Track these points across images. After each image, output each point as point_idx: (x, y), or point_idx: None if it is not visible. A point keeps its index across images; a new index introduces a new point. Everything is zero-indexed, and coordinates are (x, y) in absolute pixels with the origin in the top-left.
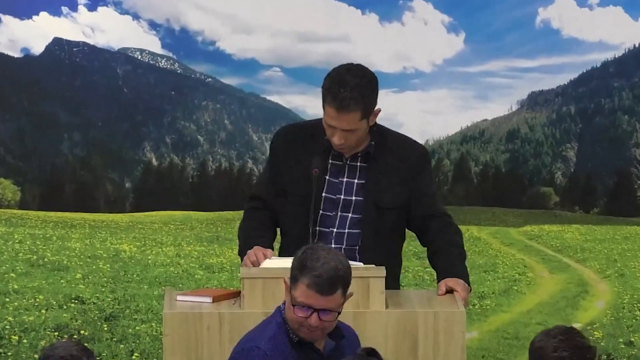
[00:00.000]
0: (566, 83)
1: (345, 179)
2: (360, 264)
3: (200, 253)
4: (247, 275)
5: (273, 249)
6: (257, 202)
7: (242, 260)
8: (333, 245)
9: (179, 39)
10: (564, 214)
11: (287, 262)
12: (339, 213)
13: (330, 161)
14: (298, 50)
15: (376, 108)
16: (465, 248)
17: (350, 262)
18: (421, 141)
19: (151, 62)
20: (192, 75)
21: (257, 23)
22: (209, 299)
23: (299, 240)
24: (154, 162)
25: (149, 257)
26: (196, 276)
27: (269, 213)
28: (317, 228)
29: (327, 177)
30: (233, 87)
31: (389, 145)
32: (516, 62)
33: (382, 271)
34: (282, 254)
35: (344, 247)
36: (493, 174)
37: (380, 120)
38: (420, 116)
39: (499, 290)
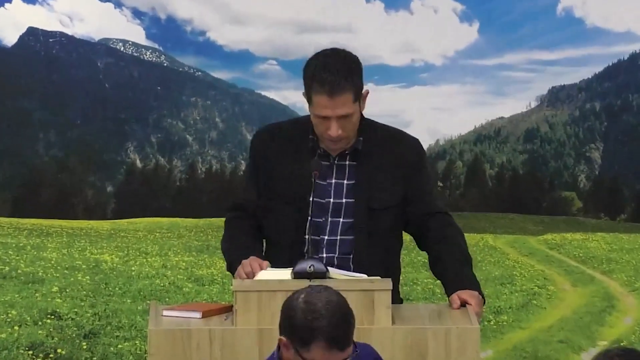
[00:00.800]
0: (590, 77)
1: (333, 181)
2: (364, 276)
3: (188, 264)
4: (240, 288)
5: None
6: (239, 212)
7: (233, 274)
8: (325, 255)
9: (165, 28)
10: (588, 221)
11: (283, 274)
12: (329, 218)
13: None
14: (296, 42)
15: (364, 90)
16: (480, 258)
17: (353, 274)
18: (431, 141)
19: (135, 54)
20: (180, 69)
21: (251, 12)
22: (198, 314)
23: (290, 250)
24: (138, 163)
25: (133, 269)
26: (184, 289)
27: (254, 223)
28: (308, 236)
29: (313, 180)
30: (225, 82)
31: (379, 140)
32: (535, 54)
33: (388, 284)
34: (270, 261)
35: (336, 255)
36: (510, 176)
37: (386, 117)
38: (429, 113)
39: (517, 305)
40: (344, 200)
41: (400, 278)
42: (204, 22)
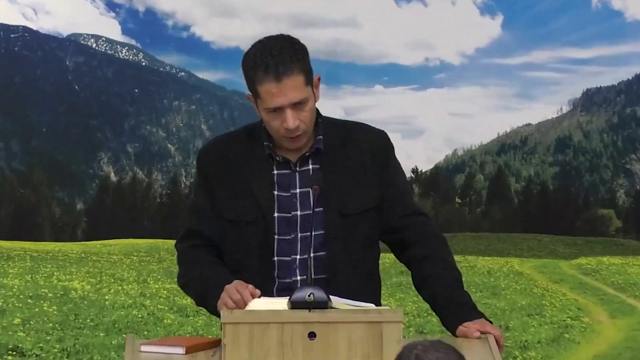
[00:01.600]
0: (630, 78)
1: (298, 190)
2: (371, 305)
3: (170, 292)
4: (230, 320)
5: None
6: (194, 240)
7: (207, 308)
8: (298, 278)
9: (143, 23)
10: (628, 243)
11: (278, 304)
12: (299, 234)
13: (275, 171)
14: None
15: (315, 75)
16: (504, 285)
17: (359, 303)
18: (448, 151)
19: (109, 51)
20: (161, 69)
21: (242, 4)
22: (181, 350)
23: (258, 277)
24: (113, 177)
25: (106, 297)
26: (165, 321)
27: (214, 250)
28: (275, 258)
29: (275, 192)
30: (212, 84)
31: (342, 136)
32: (567, 52)
33: (399, 315)
34: None
35: (313, 277)
36: (538, 192)
37: (396, 124)
38: (446, 120)
39: (547, 339)
40: (312, 211)
41: (414, 308)
42: (188, 16)
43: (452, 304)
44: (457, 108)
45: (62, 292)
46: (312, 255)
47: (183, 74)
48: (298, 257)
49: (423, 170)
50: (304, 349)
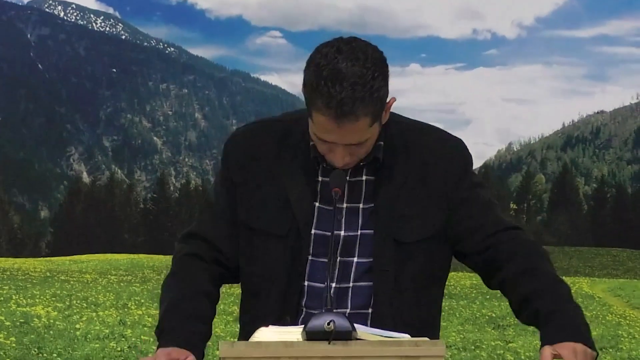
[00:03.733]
0: None
1: (345, 205)
2: (406, 336)
3: (156, 319)
4: (230, 354)
5: (203, 354)
6: (196, 245)
7: (158, 337)
8: (332, 309)
9: None
10: None
11: (291, 334)
12: (339, 258)
13: (320, 178)
14: (308, 6)
15: (389, 99)
16: None
17: (391, 333)
18: (501, 145)
19: (81, 22)
20: (145, 44)
21: None
22: None
23: (282, 303)
24: (85, 178)
25: (77, 327)
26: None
27: (214, 267)
28: (306, 283)
29: (316, 204)
30: (208, 62)
31: (406, 144)
32: None
33: (440, 348)
34: (249, 324)
35: (348, 311)
36: (613, 196)
37: (436, 112)
38: (499, 107)
39: None
40: (359, 232)
41: (458, 339)
42: None
43: (553, 321)
44: (512, 92)
45: (22, 320)
46: (351, 284)
47: (172, 49)
48: (334, 285)
49: None
50: None
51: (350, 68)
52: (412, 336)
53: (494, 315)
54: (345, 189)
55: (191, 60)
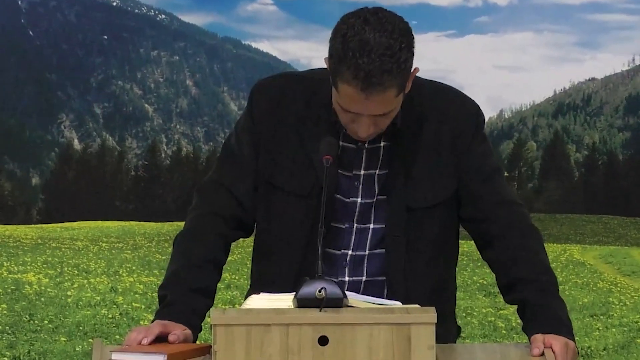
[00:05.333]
0: None
1: (362, 172)
2: (397, 303)
3: (147, 287)
4: (222, 321)
5: (200, 328)
6: (215, 197)
7: (159, 300)
8: (346, 279)
9: None
10: None
11: (282, 301)
12: (355, 225)
13: (341, 143)
14: None
15: (412, 69)
16: (561, 279)
17: (383, 301)
18: (492, 113)
19: None
20: (136, 10)
21: None
22: (161, 358)
23: (298, 268)
24: (76, 145)
25: (69, 293)
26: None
27: (229, 227)
28: (322, 249)
29: (338, 170)
30: (199, 29)
31: (422, 107)
32: None
33: (431, 315)
34: (260, 283)
35: (364, 279)
36: (604, 163)
37: (430, 79)
38: (490, 74)
39: (615, 345)
40: (375, 199)
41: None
42: None
43: (541, 314)
44: (503, 59)
45: (13, 287)
46: (367, 252)
47: (163, 16)
48: (350, 252)
49: None
50: (314, 357)
51: (378, 39)
52: (428, 297)
53: (485, 282)
54: (337, 156)
55: (182, 27)
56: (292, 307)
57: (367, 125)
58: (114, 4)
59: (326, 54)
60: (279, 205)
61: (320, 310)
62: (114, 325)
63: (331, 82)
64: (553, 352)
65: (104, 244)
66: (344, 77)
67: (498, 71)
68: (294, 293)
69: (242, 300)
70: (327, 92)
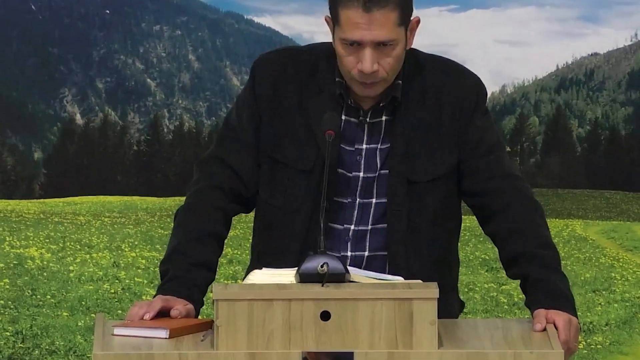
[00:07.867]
0: None
1: (364, 146)
2: (399, 279)
3: (150, 261)
4: (224, 296)
5: (202, 302)
6: (215, 171)
7: (161, 275)
8: (349, 253)
9: None
10: None
11: (284, 276)
12: (358, 199)
13: (343, 117)
14: None
15: (413, 16)
16: (563, 254)
17: (385, 276)
18: (494, 87)
19: None
20: None
21: None
22: (164, 333)
23: (300, 243)
24: (79, 119)
25: (71, 268)
26: (144, 297)
27: (230, 200)
28: (325, 224)
29: (340, 144)
30: (201, 3)
31: (424, 80)
32: None
33: (433, 290)
34: (263, 257)
35: (366, 254)
36: (607, 138)
37: (431, 53)
38: (492, 48)
39: (617, 321)
40: (377, 174)
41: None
42: None
43: (543, 289)
44: (505, 34)
45: (15, 262)
46: (370, 227)
47: None
48: (352, 227)
49: None
50: (316, 332)
51: None
52: (426, 278)
53: (487, 257)
54: (339, 130)
55: (184, 1)
56: (295, 282)
57: (371, 59)
58: None
59: (327, 29)
60: (282, 180)
61: (322, 286)
62: (116, 300)
63: (331, 22)
64: (556, 327)
65: (106, 219)
66: (345, 1)
67: (500, 46)
68: (296, 268)
69: (244, 275)
70: (329, 67)
